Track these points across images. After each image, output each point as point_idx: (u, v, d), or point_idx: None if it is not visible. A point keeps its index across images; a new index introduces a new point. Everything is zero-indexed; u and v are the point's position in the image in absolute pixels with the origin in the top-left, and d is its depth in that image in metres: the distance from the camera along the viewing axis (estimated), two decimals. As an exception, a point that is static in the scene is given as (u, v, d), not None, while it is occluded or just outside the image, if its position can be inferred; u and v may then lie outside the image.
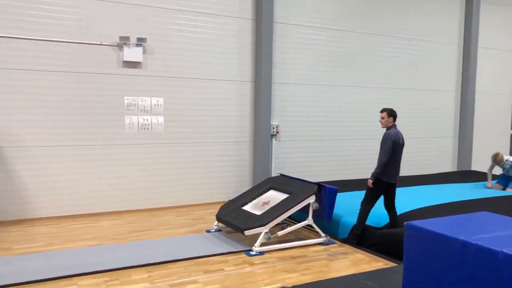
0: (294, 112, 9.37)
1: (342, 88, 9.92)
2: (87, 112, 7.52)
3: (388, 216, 6.30)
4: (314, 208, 6.25)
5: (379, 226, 6.30)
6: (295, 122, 9.41)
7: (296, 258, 5.66)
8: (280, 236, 6.21)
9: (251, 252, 5.73)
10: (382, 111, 6.26)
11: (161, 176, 8.17)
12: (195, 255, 5.57)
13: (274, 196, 6.62)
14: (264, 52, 8.71)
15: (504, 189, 8.68)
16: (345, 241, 6.31)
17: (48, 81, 7.21)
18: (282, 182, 6.92)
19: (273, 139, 9.16)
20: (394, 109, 6.27)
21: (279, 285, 4.76)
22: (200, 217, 7.57)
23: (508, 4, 12.27)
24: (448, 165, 11.75)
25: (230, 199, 7.18)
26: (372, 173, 6.11)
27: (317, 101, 9.63)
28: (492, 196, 7.83)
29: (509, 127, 12.83)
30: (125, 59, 7.67)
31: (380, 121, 6.26)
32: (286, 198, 6.35)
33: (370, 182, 6.14)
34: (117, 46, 7.65)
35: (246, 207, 6.56)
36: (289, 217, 6.54)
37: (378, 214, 6.40)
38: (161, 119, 8.10)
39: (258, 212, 6.24)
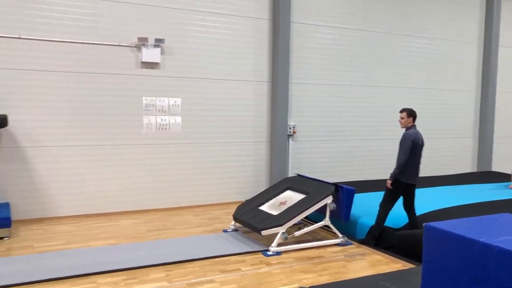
0: (311, 112, 9.34)
1: (360, 87, 9.85)
2: (106, 112, 7.61)
3: (406, 217, 6.23)
4: (331, 208, 6.22)
5: (398, 227, 6.24)
6: (312, 122, 9.38)
7: (313, 258, 5.64)
8: (297, 237, 6.20)
9: (268, 252, 5.73)
10: (401, 111, 6.19)
11: (178, 176, 8.23)
12: (212, 255, 5.59)
13: (291, 196, 6.61)
14: (281, 52, 8.70)
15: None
16: (362, 242, 6.27)
17: (67, 81, 7.32)
18: (299, 182, 6.90)
19: (290, 139, 9.14)
20: (414, 109, 6.20)
21: (296, 285, 4.75)
22: (217, 217, 7.60)
23: (531, 2, 12.05)
24: (467, 166, 11.56)
25: (247, 199, 7.20)
26: (391, 174, 6.05)
27: (334, 101, 9.58)
28: (513, 197, 7.69)
29: (531, 127, 12.58)
30: (144, 59, 7.75)
31: (400, 121, 6.19)
32: (303, 199, 6.33)
33: (389, 183, 6.08)
34: (135, 47, 7.73)
35: (263, 207, 6.57)
36: (306, 217, 6.52)
37: (397, 215, 6.33)
38: (178, 119, 8.15)
39: (275, 212, 6.24)
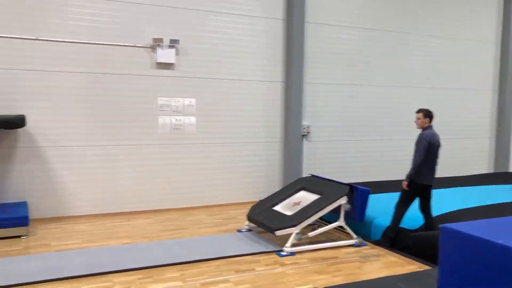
0: (325, 112, 9.31)
1: (375, 87, 9.79)
2: (121, 113, 7.69)
3: (422, 219, 6.17)
4: (346, 209, 6.19)
5: (413, 229, 6.18)
6: (326, 122, 9.35)
7: (327, 259, 5.62)
8: (311, 237, 6.18)
9: (282, 253, 5.73)
10: (418, 112, 6.14)
11: (193, 175, 8.27)
12: (227, 255, 5.61)
13: (305, 197, 6.59)
14: (295, 52, 8.69)
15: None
16: (377, 243, 6.22)
17: (84, 82, 7.42)
18: (313, 183, 6.89)
19: (304, 140, 9.13)
20: (431, 110, 6.14)
21: (311, 286, 4.74)
22: (231, 217, 7.62)
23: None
24: (484, 166, 11.41)
25: (261, 199, 7.20)
26: (407, 175, 6.00)
27: (349, 101, 9.53)
28: (532, 199, 7.57)
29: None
30: (159, 60, 7.80)
31: (416, 122, 6.14)
32: (317, 199, 6.32)
33: (404, 184, 6.03)
34: (150, 48, 7.79)
35: (277, 207, 6.57)
36: (321, 218, 6.50)
37: (412, 216, 6.28)
38: (193, 119, 8.20)
39: (289, 213, 6.23)
